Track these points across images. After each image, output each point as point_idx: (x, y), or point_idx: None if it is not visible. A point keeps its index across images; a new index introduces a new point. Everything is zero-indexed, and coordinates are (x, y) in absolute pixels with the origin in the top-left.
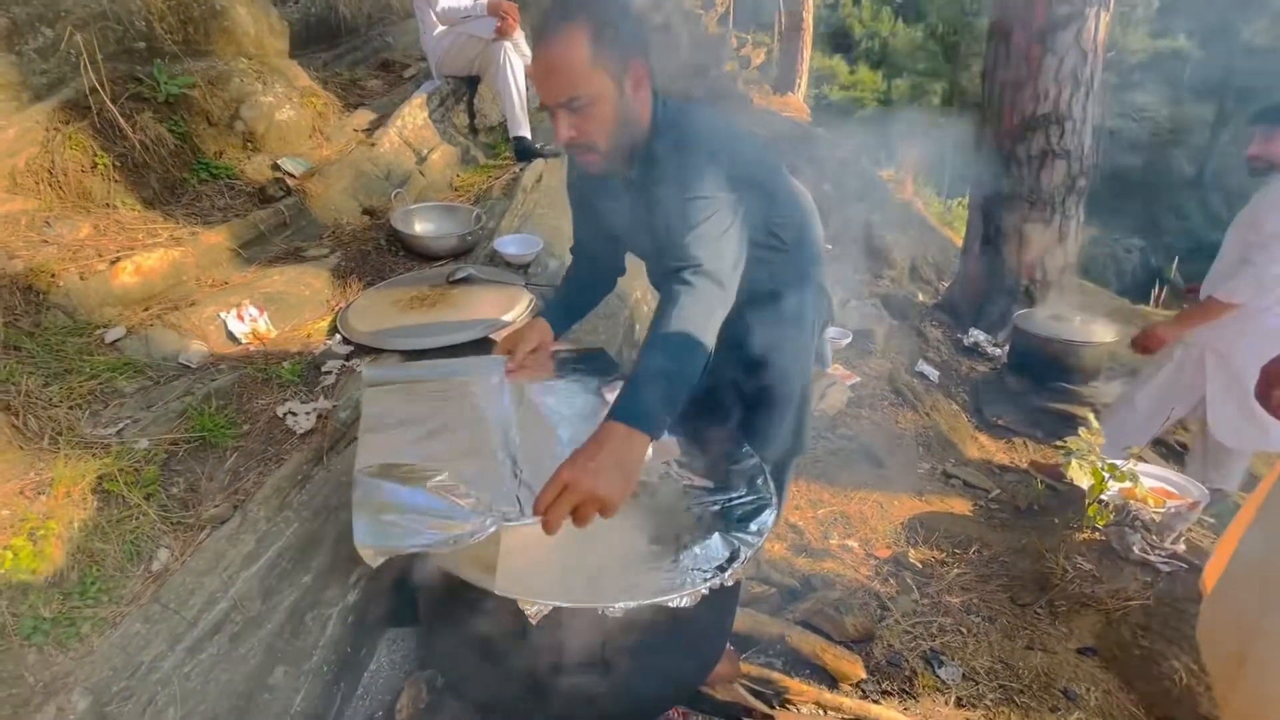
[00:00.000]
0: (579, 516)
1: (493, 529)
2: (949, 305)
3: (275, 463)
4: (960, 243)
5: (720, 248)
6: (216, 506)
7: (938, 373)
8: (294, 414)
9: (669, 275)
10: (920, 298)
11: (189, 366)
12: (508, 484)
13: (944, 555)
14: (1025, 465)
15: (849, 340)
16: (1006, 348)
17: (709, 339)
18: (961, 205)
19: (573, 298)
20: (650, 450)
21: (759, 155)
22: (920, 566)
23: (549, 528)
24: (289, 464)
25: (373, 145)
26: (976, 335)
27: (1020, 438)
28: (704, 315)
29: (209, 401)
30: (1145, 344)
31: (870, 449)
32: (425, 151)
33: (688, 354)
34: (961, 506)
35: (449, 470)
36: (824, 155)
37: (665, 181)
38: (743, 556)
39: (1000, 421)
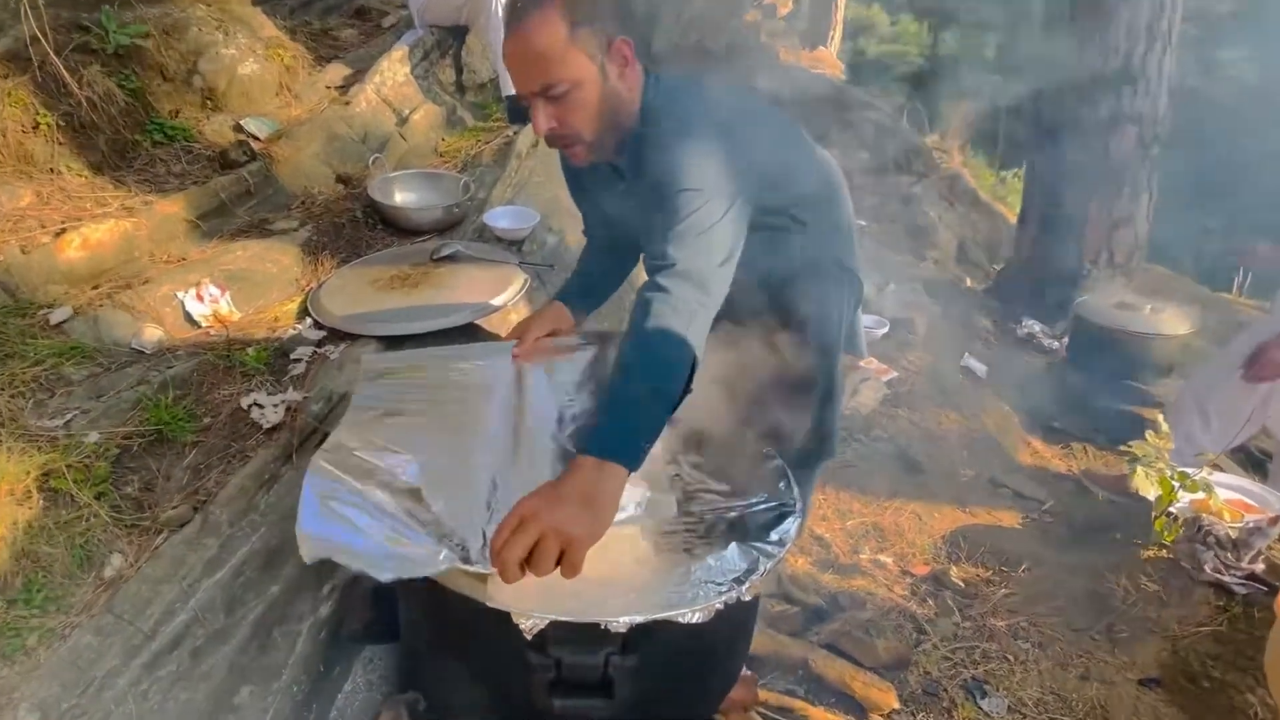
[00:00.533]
0: (539, 556)
1: (444, 568)
2: (1001, 291)
3: (239, 460)
4: (1015, 220)
5: (705, 244)
6: (175, 508)
7: (986, 368)
8: (260, 406)
9: (647, 277)
10: (968, 282)
11: (143, 352)
12: (477, 516)
13: (990, 573)
14: (1079, 473)
15: (886, 330)
16: (1065, 340)
17: (690, 350)
18: (1017, 177)
19: (592, 279)
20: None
21: (771, 129)
22: (962, 585)
23: (504, 573)
24: (254, 462)
25: (347, 104)
26: (1031, 325)
27: (1079, 442)
28: (682, 324)
29: (165, 391)
30: (1261, 373)
31: (907, 453)
32: (406, 112)
33: (664, 372)
34: (1010, 519)
35: (419, 477)
36: (859, 118)
37: (653, 172)
38: (762, 569)
39: (1057, 424)
